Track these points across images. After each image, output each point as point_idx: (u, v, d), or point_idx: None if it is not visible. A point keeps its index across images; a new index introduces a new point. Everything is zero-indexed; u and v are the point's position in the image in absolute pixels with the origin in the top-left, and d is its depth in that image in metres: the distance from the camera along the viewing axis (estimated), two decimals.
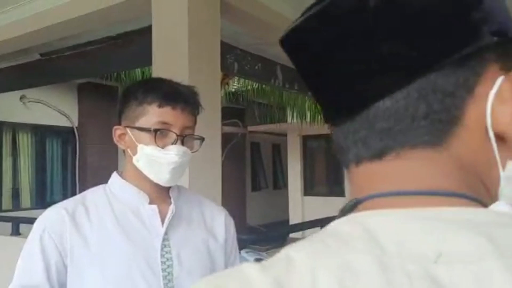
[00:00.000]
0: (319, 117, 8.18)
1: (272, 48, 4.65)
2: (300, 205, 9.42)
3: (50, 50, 5.00)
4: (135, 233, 1.05)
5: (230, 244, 1.23)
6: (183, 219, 1.13)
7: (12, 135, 7.24)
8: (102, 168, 6.69)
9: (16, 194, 7.18)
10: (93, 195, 1.10)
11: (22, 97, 7.12)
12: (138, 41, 3.95)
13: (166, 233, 1.07)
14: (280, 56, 5.09)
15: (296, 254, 0.37)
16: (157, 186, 1.09)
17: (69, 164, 7.67)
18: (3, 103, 6.76)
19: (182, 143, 1.06)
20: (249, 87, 7.58)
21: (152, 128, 1.03)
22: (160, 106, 1.04)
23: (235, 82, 7.46)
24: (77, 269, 0.99)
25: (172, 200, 1.11)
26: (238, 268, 0.39)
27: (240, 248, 2.77)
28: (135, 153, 1.06)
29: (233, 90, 7.66)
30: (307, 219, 8.82)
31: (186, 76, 2.79)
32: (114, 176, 1.13)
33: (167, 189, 1.13)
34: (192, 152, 1.11)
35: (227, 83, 6.74)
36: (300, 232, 7.34)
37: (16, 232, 4.16)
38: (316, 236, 0.39)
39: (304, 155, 9.78)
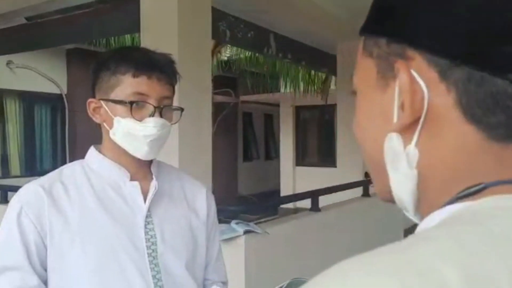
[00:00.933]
0: (313, 87, 8.11)
1: (266, 15, 4.54)
2: (291, 176, 9.47)
3: (36, 14, 4.85)
4: (117, 210, 1.01)
5: (212, 220, 1.20)
6: (165, 195, 1.09)
7: None
8: (92, 137, 6.59)
9: (5, 161, 7.12)
10: (70, 170, 1.05)
11: (8, 63, 6.95)
12: (126, 6, 3.81)
13: (148, 210, 1.04)
14: (274, 24, 4.97)
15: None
16: (137, 161, 1.04)
17: (59, 132, 7.58)
18: None
19: (161, 115, 1.01)
20: (241, 56, 7.46)
21: (128, 100, 0.98)
22: (134, 75, 0.98)
23: (228, 50, 7.33)
24: (58, 248, 0.95)
25: (153, 176, 1.07)
26: (430, 266, 0.31)
27: (232, 218, 2.78)
28: (111, 126, 1.01)
29: (225, 58, 7.54)
30: (298, 189, 8.88)
31: (175, 43, 2.70)
32: (92, 151, 1.08)
33: (148, 164, 1.09)
34: (172, 124, 1.06)
35: (219, 52, 6.62)
36: (291, 204, 7.42)
37: (4, 200, 4.12)
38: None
39: (297, 125, 9.75)
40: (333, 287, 0.31)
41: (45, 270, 0.96)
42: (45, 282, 0.96)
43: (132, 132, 0.99)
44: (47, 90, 7.16)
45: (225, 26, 4.47)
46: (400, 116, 0.42)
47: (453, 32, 0.39)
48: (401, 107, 0.42)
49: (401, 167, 0.44)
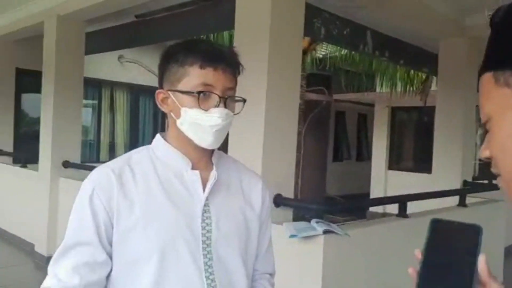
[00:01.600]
0: (411, 88, 7.69)
1: (363, 11, 4.39)
2: (383, 179, 9.11)
3: (144, 11, 5.22)
4: (179, 197, 1.05)
5: (265, 213, 1.21)
6: (223, 186, 1.12)
7: (110, 93, 7.81)
8: None
9: (112, 147, 7.80)
10: (138, 156, 1.11)
11: (120, 57, 7.60)
12: (224, 4, 3.94)
13: (207, 199, 1.07)
14: (371, 20, 4.79)
15: None
16: (200, 150, 1.08)
17: (159, 123, 8.11)
18: (104, 62, 7.27)
19: (225, 105, 1.04)
20: (337, 54, 7.31)
21: (195, 91, 1.02)
22: (201, 67, 1.02)
23: (323, 48, 7.23)
24: (122, 230, 1.01)
25: (214, 166, 1.11)
26: None
27: (316, 217, 2.75)
28: (178, 116, 1.05)
29: (321, 56, 7.45)
30: (389, 194, 8.51)
31: (266, 40, 2.74)
32: (158, 138, 1.13)
33: (209, 154, 1.12)
34: (234, 114, 1.08)
35: (314, 49, 6.56)
36: (381, 207, 7.12)
37: None
38: None
39: (392, 127, 9.34)
40: None
41: (112, 248, 1.03)
42: (111, 258, 1.03)
43: (198, 122, 1.03)
44: (151, 84, 7.70)
45: (320, 23, 4.42)
46: None
47: None
48: None
49: None
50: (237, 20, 2.96)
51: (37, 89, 5.28)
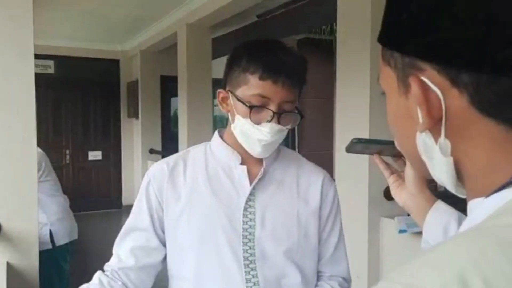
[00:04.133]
0: None
1: None
2: None
3: (264, 11, 5.38)
4: (223, 191, 1.09)
5: (327, 210, 1.15)
6: (274, 181, 1.11)
7: None
8: (318, 122, 6.95)
9: None
10: (195, 151, 1.17)
11: None
12: None
13: (253, 194, 1.08)
14: None
15: None
16: None
17: None
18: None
19: (279, 120, 1.02)
20: None
21: (248, 103, 1.02)
22: (261, 78, 1.01)
23: None
24: (171, 219, 1.10)
25: (264, 162, 1.10)
26: None
27: None
28: (233, 120, 1.08)
29: None
30: None
31: (368, 32, 2.59)
32: (215, 135, 1.17)
33: None
34: (287, 128, 1.06)
35: None
36: None
37: None
38: None
39: None
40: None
41: (165, 235, 1.12)
42: (164, 245, 1.12)
43: (248, 133, 1.04)
44: None
45: None
46: (422, 121, 0.47)
47: (457, 44, 0.43)
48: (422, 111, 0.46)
49: (436, 157, 0.49)
50: (339, 13, 2.86)
51: (177, 93, 5.86)
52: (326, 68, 7.20)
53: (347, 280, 1.19)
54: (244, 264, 1.05)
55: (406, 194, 0.83)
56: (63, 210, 2.87)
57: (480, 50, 0.42)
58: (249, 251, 1.06)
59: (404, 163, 0.83)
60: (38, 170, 2.58)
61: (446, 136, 0.46)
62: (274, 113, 1.01)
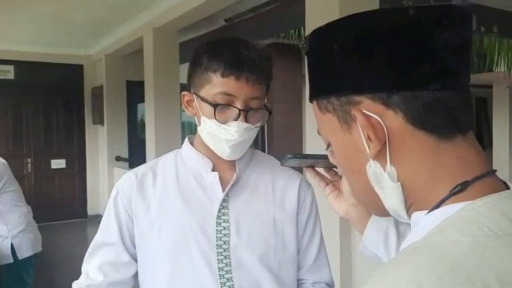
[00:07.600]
0: None
1: None
2: (506, 169, 8.12)
3: (233, 15, 5.35)
4: (194, 199, 1.04)
5: (305, 216, 1.11)
6: (248, 187, 1.07)
7: None
8: (287, 126, 6.96)
9: None
10: (165, 160, 1.12)
11: None
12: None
13: (226, 201, 1.03)
14: None
15: None
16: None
17: None
18: None
19: (246, 117, 0.98)
20: None
21: (212, 102, 0.97)
22: (223, 75, 0.96)
23: None
24: (141, 231, 1.04)
25: (237, 168, 1.06)
26: None
27: None
28: (199, 123, 1.03)
29: None
30: None
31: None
32: (185, 142, 1.12)
33: None
34: (256, 127, 1.01)
35: None
36: None
37: None
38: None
39: None
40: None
41: (135, 249, 1.06)
42: (135, 259, 1.07)
43: (215, 134, 0.99)
44: None
45: (412, 2, 4.09)
46: (370, 147, 0.53)
47: (379, 73, 0.52)
48: (368, 139, 0.53)
49: (386, 184, 0.54)
50: (307, 19, 2.86)
51: (144, 98, 5.74)
52: (295, 72, 7.26)
53: (330, 285, 1.16)
54: (220, 275, 1.00)
55: (345, 205, 0.85)
56: (26, 222, 2.74)
57: (399, 72, 0.51)
58: (224, 260, 1.01)
59: (336, 173, 0.87)
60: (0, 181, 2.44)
61: (391, 162, 0.52)
62: (240, 110, 0.96)
